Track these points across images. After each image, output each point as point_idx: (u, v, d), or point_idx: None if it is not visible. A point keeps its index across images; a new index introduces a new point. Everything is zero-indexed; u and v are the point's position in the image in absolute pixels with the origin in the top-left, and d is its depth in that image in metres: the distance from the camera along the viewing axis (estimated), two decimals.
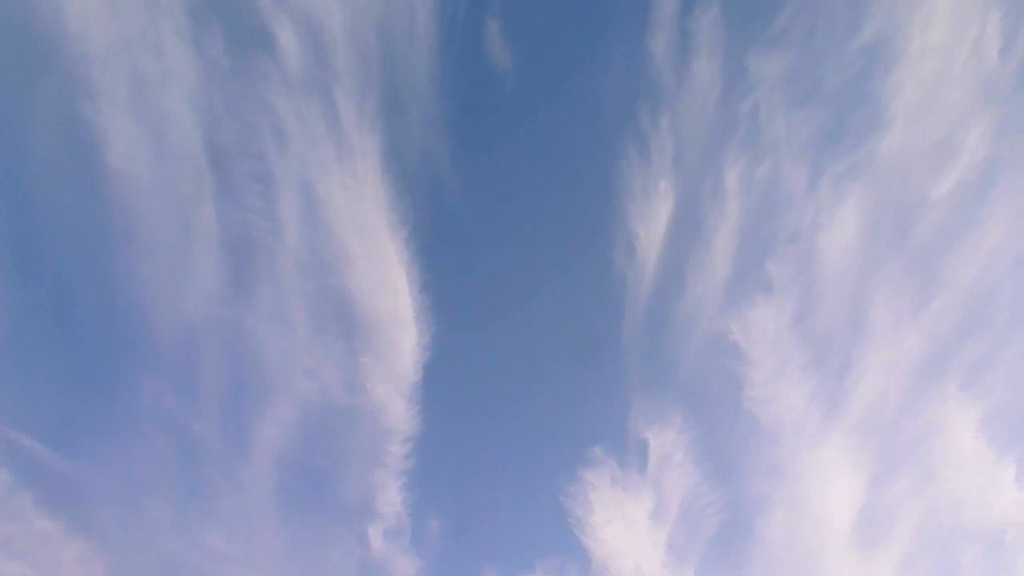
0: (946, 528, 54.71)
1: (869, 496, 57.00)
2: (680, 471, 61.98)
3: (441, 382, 69.89)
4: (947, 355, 58.80)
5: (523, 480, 74.61)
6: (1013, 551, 53.51)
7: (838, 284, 61.11)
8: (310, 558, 66.92)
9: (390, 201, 61.17)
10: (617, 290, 67.46)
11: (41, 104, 43.41)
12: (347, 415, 67.58)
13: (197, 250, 59.61)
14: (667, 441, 62.41)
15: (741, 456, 66.10)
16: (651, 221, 63.14)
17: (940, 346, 58.10)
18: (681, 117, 61.70)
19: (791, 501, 59.75)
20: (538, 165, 69.01)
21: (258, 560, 63.26)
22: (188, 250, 59.39)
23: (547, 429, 74.28)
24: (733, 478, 64.83)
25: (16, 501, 47.90)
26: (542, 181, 69.67)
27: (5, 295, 47.50)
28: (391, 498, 65.28)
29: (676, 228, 63.13)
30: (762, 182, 60.71)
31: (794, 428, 60.34)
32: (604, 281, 68.91)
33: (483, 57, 61.94)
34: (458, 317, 72.24)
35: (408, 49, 57.10)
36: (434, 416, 68.55)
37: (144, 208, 55.57)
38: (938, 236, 58.01)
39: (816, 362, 60.69)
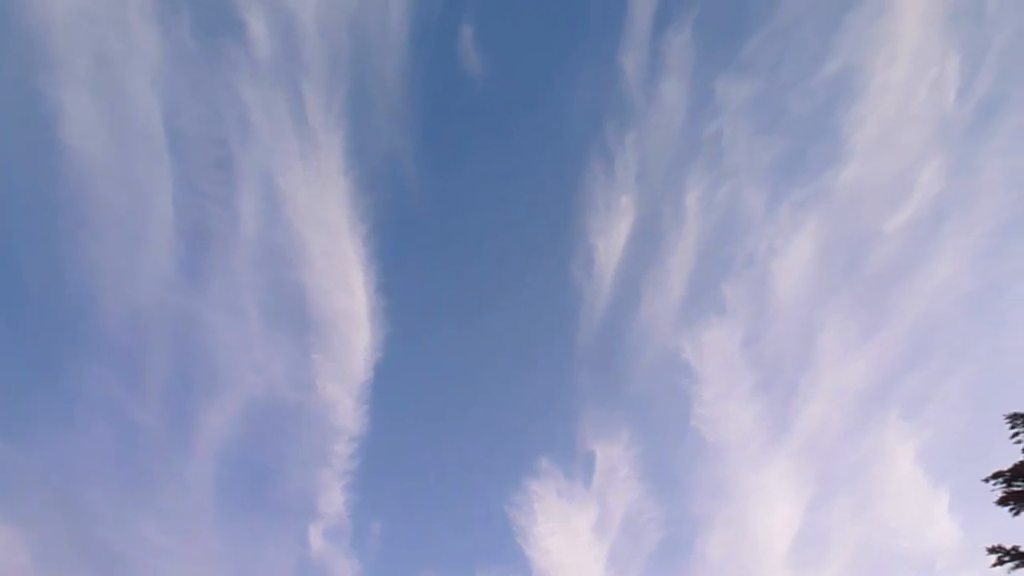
0: (880, 554, 55.64)
1: (807, 519, 57.93)
2: (625, 485, 62.42)
3: (391, 384, 69.59)
4: (890, 385, 60.17)
5: (468, 487, 74.24)
6: None
7: (790, 310, 62.21)
8: (248, 555, 65.76)
9: (351, 199, 60.97)
10: (574, 302, 67.93)
11: None
12: (295, 412, 66.89)
13: (151, 235, 58.66)
14: (614, 455, 62.81)
15: (686, 473, 66.70)
16: (611, 236, 63.73)
17: (884, 376, 59.50)
18: (647, 135, 62.51)
19: (731, 521, 60.47)
20: (503, 172, 69.20)
21: (194, 555, 62.00)
22: (141, 234, 58.39)
23: (495, 437, 74.17)
24: (676, 495, 65.40)
25: None
26: (506, 188, 69.89)
27: None
28: (334, 498, 64.64)
29: (635, 244, 63.86)
30: (722, 205, 61.72)
31: (739, 449, 61.11)
32: (561, 293, 69.36)
33: (455, 61, 62.01)
34: (413, 320, 71.92)
35: (380, 47, 56.95)
36: (382, 418, 68.19)
37: (98, 188, 54.47)
38: (888, 269, 59.39)
39: (764, 385, 61.68)
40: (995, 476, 27.21)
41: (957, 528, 48.48)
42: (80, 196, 54.87)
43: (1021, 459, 26.69)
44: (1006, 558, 26.29)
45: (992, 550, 26.56)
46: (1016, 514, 26.98)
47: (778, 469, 58.22)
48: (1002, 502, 27.06)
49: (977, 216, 54.74)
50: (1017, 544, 26.34)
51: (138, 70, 52.13)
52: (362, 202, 60.25)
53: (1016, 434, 26.70)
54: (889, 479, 55.67)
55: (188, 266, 61.26)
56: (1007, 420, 26.82)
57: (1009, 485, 26.92)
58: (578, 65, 64.08)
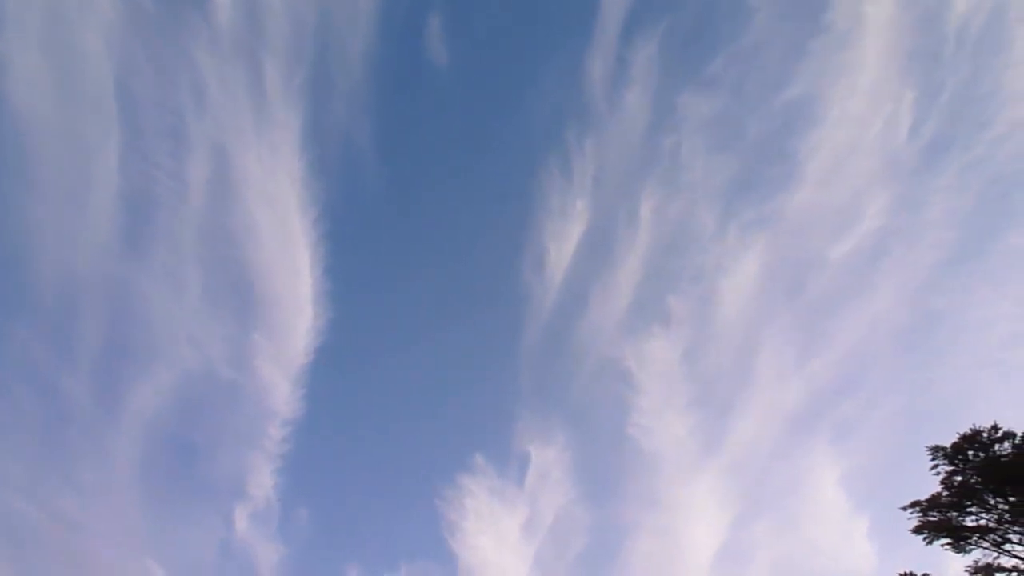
0: (799, 572, 56.94)
1: (732, 533, 59.00)
2: (557, 488, 62.66)
3: (331, 369, 68.65)
4: (821, 410, 61.65)
5: (401, 479, 73.70)
6: None
7: (732, 328, 63.22)
8: (170, 534, 64.13)
9: (304, 179, 59.89)
10: (522, 302, 67.94)
11: None
12: (229, 391, 65.44)
13: (94, 199, 56.70)
14: (549, 457, 62.99)
15: (618, 480, 67.31)
16: (564, 239, 63.89)
17: (816, 401, 60.94)
18: (607, 142, 62.85)
19: (659, 530, 61.22)
20: (461, 166, 68.82)
21: (113, 532, 60.18)
22: (84, 198, 56.40)
23: (432, 431, 73.76)
24: (607, 500, 65.95)
25: None
26: (462, 182, 69.51)
27: None
28: (263, 481, 63.40)
29: (587, 250, 64.12)
30: (674, 218, 62.42)
31: (671, 460, 61.88)
32: (511, 292, 69.29)
33: (421, 50, 61.39)
34: (358, 306, 71.07)
35: (346, 29, 56.01)
36: (319, 403, 67.21)
37: (42, 147, 52.43)
38: (829, 296, 60.85)
39: (700, 399, 62.57)
40: (913, 505, 27.97)
41: (874, 552, 49.93)
42: (22, 153, 52.86)
43: (938, 491, 27.47)
44: None
45: None
46: (929, 543, 27.78)
47: (708, 482, 59.14)
48: (917, 531, 27.84)
49: (917, 251, 56.42)
50: (928, 572, 27.15)
51: (92, 30, 50.41)
52: (315, 184, 59.25)
53: (936, 466, 27.47)
54: (813, 501, 57.01)
55: (130, 233, 59.48)
56: (928, 452, 27.58)
57: (925, 515, 27.70)
58: (544, 65, 64.18)
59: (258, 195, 59.98)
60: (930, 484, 27.80)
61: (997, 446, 26.65)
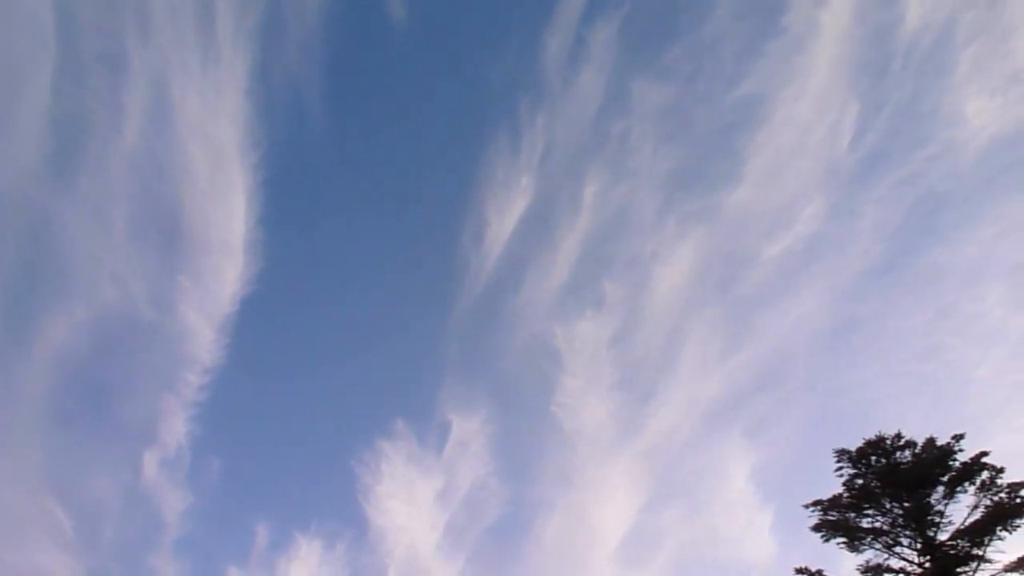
0: (703, 560, 58.64)
1: (641, 517, 60.21)
2: (475, 459, 62.78)
3: (257, 320, 66.98)
4: (739, 404, 63.17)
5: (319, 438, 72.83)
6: None
7: (662, 316, 64.10)
8: (74, 475, 62.01)
9: (248, 123, 57.77)
10: (458, 271, 67.40)
11: None
12: (148, 332, 63.17)
13: (21, 120, 53.57)
14: (470, 428, 63.00)
15: (536, 457, 67.91)
16: (506, 213, 63.45)
17: (735, 394, 62.34)
18: (558, 119, 62.44)
19: (571, 508, 62.08)
20: (409, 126, 67.58)
21: (13, 469, 57.83)
22: (10, 117, 53.21)
23: (354, 393, 72.97)
24: (523, 476, 66.49)
25: None
26: (410, 143, 68.29)
27: None
28: (176, 428, 61.64)
29: (528, 226, 63.80)
30: (616, 203, 62.60)
31: (590, 441, 62.69)
32: (448, 259, 68.65)
33: (380, 5, 59.70)
34: (290, 258, 69.36)
35: None
36: (242, 354, 65.53)
37: None
38: (758, 294, 62.12)
39: (624, 383, 63.38)
40: (814, 504, 28.97)
41: (775, 545, 51.74)
42: None
43: (839, 492, 28.50)
44: None
45: (799, 571, 28.31)
46: (826, 541, 28.88)
47: (623, 466, 60.19)
48: (816, 528, 28.88)
49: (846, 258, 58.05)
50: (822, 568, 28.20)
51: None
52: (258, 129, 57.21)
53: (840, 468, 28.46)
54: (722, 491, 58.65)
55: (57, 159, 56.39)
56: (834, 454, 28.54)
57: (825, 514, 28.73)
58: (503, 34, 63.22)
59: (197, 135, 57.64)
60: (833, 485, 28.83)
61: (899, 453, 27.75)
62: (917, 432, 27.83)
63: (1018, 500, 25.80)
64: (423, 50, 63.89)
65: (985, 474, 26.62)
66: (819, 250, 59.24)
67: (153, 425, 62.98)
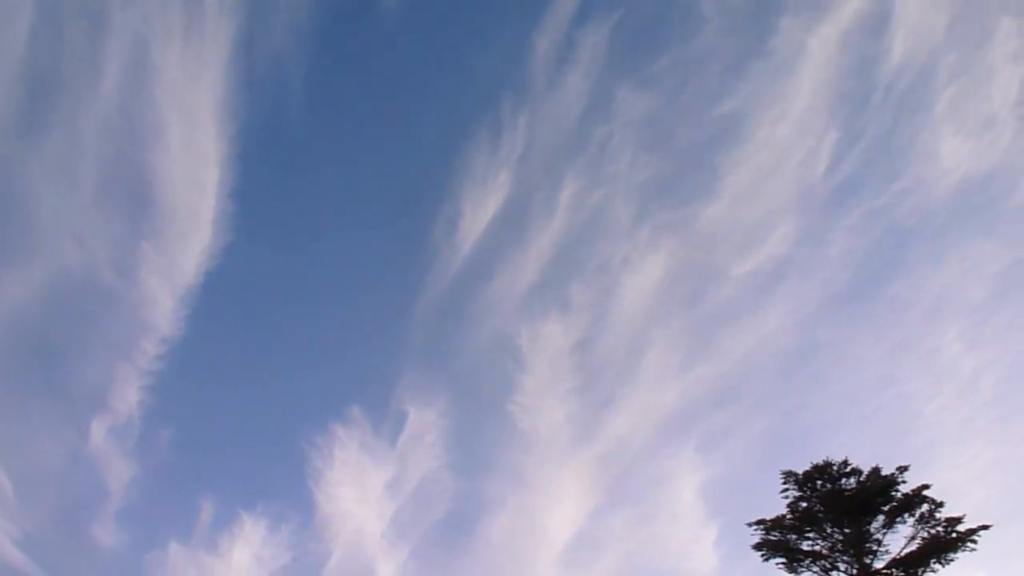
0: (646, 569, 59.07)
1: (589, 523, 60.43)
2: (428, 452, 62.47)
3: (220, 294, 65.98)
4: (695, 417, 63.67)
5: (273, 418, 72.02)
6: None
7: (627, 323, 64.35)
8: (19, 437, 60.63)
9: (227, 94, 56.84)
10: (428, 261, 66.93)
11: None
12: (107, 297, 61.99)
13: None
14: (426, 420, 62.69)
15: (490, 454, 67.82)
16: (481, 208, 63.18)
17: (692, 407, 62.79)
18: (541, 119, 62.33)
19: (520, 508, 62.10)
20: (390, 113, 67.05)
21: None
22: None
23: (312, 375, 72.22)
24: (475, 472, 66.36)
25: None
26: (389, 130, 67.78)
27: None
28: (128, 396, 60.48)
29: (501, 222, 63.59)
30: (592, 207, 62.66)
31: (545, 443, 62.73)
32: (418, 248, 68.15)
33: None
34: (259, 234, 68.43)
35: None
36: (202, 326, 64.49)
37: None
38: (723, 310, 62.66)
39: (583, 388, 63.52)
40: (758, 522, 29.28)
41: (717, 560, 52.20)
42: None
43: (783, 513, 28.84)
44: None
45: None
46: (766, 560, 29.21)
47: (575, 470, 60.37)
48: (757, 547, 29.21)
49: (812, 283, 58.73)
50: None
51: None
52: (237, 102, 56.27)
53: (786, 490, 28.81)
54: (671, 503, 59.06)
55: (28, 113, 55.02)
56: (782, 475, 28.87)
57: (767, 533, 29.06)
58: (493, 30, 62.93)
59: (174, 101, 56.55)
60: (778, 505, 29.17)
61: (844, 480, 28.19)
62: (865, 460, 28.39)
63: (954, 535, 26.35)
64: (412, 38, 63.42)
65: (925, 507, 27.20)
66: (787, 272, 59.93)
67: (104, 392, 61.82)
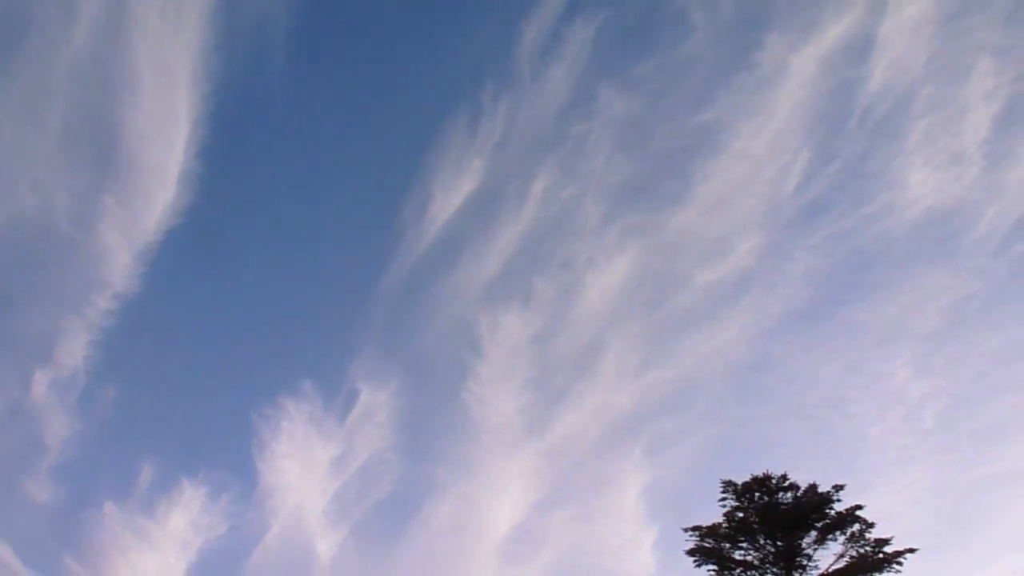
0: (583, 566, 59.36)
1: (531, 516, 60.55)
2: (378, 432, 62.10)
3: (179, 254, 64.81)
4: (645, 420, 64.15)
5: (221, 385, 71.12)
6: None
7: (587, 321, 64.57)
8: None
9: (205, 52, 55.70)
10: (394, 240, 66.39)
11: None
12: (62, 246, 60.46)
13: None
14: (378, 400, 62.26)
15: (439, 440, 67.61)
16: (452, 192, 62.82)
17: (643, 410, 63.21)
18: (520, 109, 62.14)
19: (464, 496, 61.98)
20: (370, 85, 66.42)
21: None
22: None
23: (266, 344, 71.41)
24: (423, 457, 66.15)
25: None
26: (367, 102, 67.14)
27: None
28: (74, 351, 59.10)
29: (471, 209, 63.28)
30: (562, 203, 62.66)
31: (495, 432, 62.71)
32: (386, 226, 67.62)
33: None
34: (225, 196, 67.37)
35: None
36: (157, 285, 63.28)
37: None
38: (683, 317, 63.18)
39: (538, 382, 63.62)
40: (693, 528, 29.65)
41: (654, 563, 52.60)
42: None
43: (720, 521, 29.22)
44: None
45: None
46: (698, 566, 29.60)
47: (522, 462, 60.46)
48: (690, 552, 29.58)
49: (772, 298, 59.49)
50: None
51: None
52: (215, 60, 55.15)
53: (724, 499, 29.17)
54: (614, 503, 59.50)
55: None
56: (721, 484, 29.24)
57: (702, 540, 29.43)
58: (482, 13, 62.62)
59: (149, 53, 55.26)
60: (717, 513, 29.52)
61: (781, 494, 28.63)
62: (806, 477, 28.81)
63: (880, 555, 26.95)
64: (398, 13, 62.83)
65: (856, 526, 27.77)
66: (749, 285, 60.61)
67: (50, 343, 60.28)
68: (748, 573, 28.98)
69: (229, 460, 67.05)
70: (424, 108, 66.43)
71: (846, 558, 27.75)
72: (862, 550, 27.51)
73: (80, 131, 58.21)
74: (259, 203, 69.40)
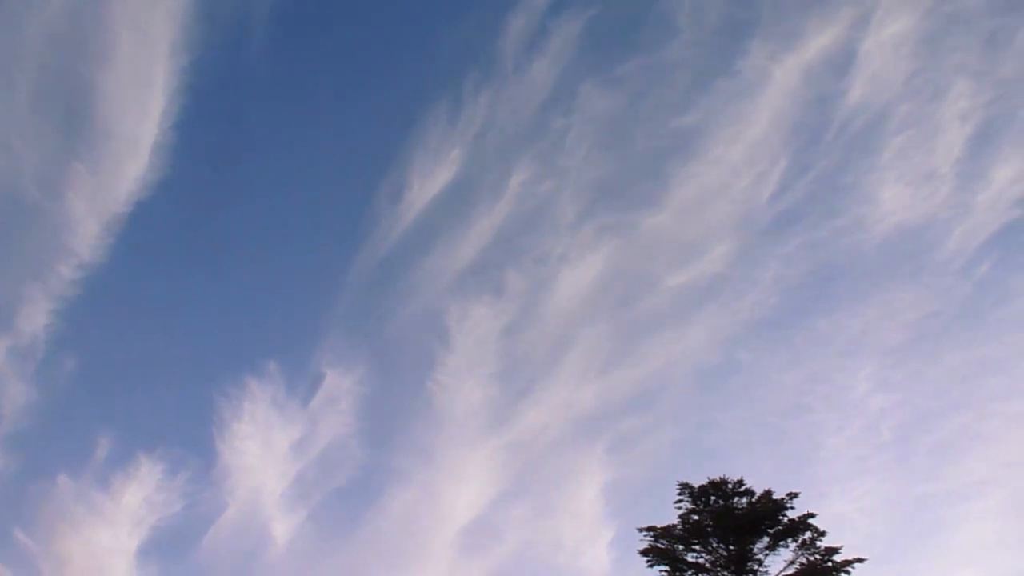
0: (540, 561, 59.64)
1: (490, 509, 60.69)
2: (341, 417, 61.77)
3: (148, 227, 63.94)
4: (609, 419, 64.54)
5: (184, 361, 70.28)
6: None
7: (556, 317, 64.71)
8: None
9: (186, 24, 54.83)
10: (368, 225, 66.05)
11: None
12: (28, 212, 59.29)
13: None
14: (343, 385, 61.91)
15: (402, 428, 67.53)
16: (429, 181, 62.52)
17: (607, 409, 63.60)
18: (502, 101, 62.05)
19: (424, 485, 61.91)
20: (352, 67, 65.83)
21: None
22: None
23: (231, 322, 70.76)
24: (385, 444, 65.99)
25: None
26: (348, 84, 66.65)
27: None
28: (35, 319, 58.00)
29: (447, 198, 63.05)
30: (539, 197, 62.68)
31: (459, 423, 62.67)
32: (360, 211, 67.29)
33: None
34: (198, 170, 66.56)
35: None
36: (125, 257, 62.40)
37: None
38: (652, 319, 63.59)
39: (505, 375, 63.71)
40: (648, 529, 29.75)
41: (609, 562, 52.93)
42: None
43: (674, 523, 29.39)
44: None
45: None
46: (651, 566, 29.68)
47: (484, 454, 60.54)
48: (644, 553, 29.66)
49: (741, 304, 60.10)
50: None
51: None
52: (196, 32, 54.40)
53: (680, 501, 29.38)
54: (573, 500, 59.79)
55: None
56: (678, 486, 29.43)
57: (655, 540, 29.54)
58: (468, 2, 62.36)
59: (129, 20, 54.35)
60: (673, 515, 29.69)
61: (736, 499, 28.91)
62: (763, 483, 29.13)
63: (829, 563, 27.26)
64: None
65: (808, 534, 28.07)
66: (719, 290, 61.18)
67: (10, 309, 59.11)
68: (700, 575, 29.19)
69: (188, 438, 66.45)
70: (405, 94, 66.17)
71: (796, 564, 28.05)
72: (812, 557, 27.80)
73: (53, 96, 57.10)
74: (232, 179, 68.57)
